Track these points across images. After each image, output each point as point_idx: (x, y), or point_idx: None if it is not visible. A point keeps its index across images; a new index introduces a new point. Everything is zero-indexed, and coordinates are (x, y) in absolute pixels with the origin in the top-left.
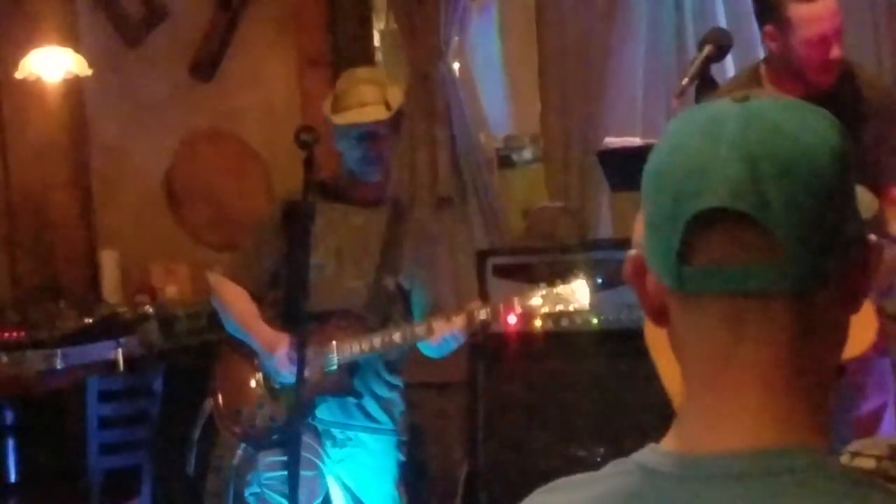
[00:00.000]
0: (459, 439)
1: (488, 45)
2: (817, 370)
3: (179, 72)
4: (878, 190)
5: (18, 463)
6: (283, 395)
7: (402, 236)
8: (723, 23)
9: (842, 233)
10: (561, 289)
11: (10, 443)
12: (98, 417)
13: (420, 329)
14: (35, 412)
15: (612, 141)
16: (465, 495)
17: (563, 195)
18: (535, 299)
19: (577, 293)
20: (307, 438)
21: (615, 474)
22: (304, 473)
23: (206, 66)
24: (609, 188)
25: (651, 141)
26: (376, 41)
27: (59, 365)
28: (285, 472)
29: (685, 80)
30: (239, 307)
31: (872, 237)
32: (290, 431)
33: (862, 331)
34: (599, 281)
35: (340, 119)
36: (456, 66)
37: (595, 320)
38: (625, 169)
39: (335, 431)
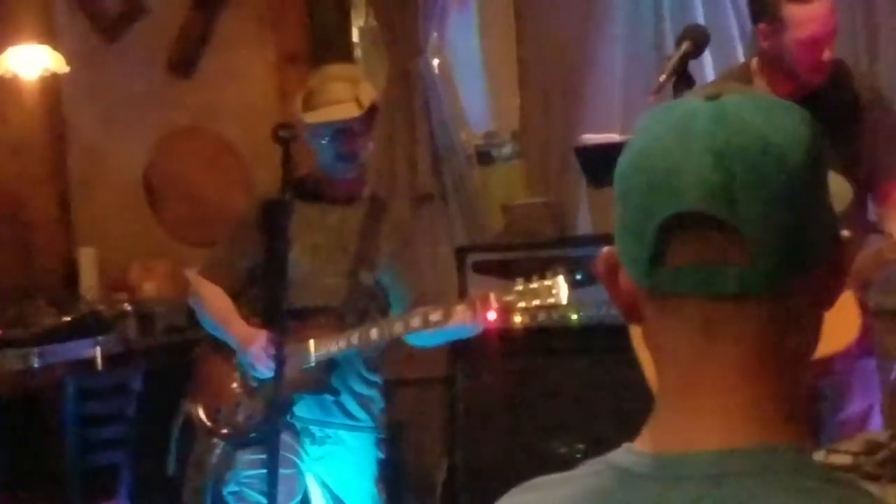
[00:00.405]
0: (439, 436)
1: (468, 41)
2: (791, 369)
3: (157, 68)
4: (874, 186)
5: None
6: (261, 393)
7: (379, 232)
8: (701, 19)
9: (814, 230)
10: (538, 284)
11: None
12: (76, 416)
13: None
14: (13, 411)
15: (591, 137)
16: (444, 492)
17: (543, 191)
18: (512, 295)
19: (555, 289)
20: (286, 436)
21: (589, 474)
22: (283, 472)
23: (184, 62)
24: (587, 185)
25: (630, 137)
26: (355, 37)
27: (36, 363)
28: (264, 471)
29: (663, 77)
30: (216, 304)
31: (845, 233)
32: (268, 429)
33: (844, 326)
34: (579, 277)
35: (311, 118)
36: (435, 62)
37: (575, 316)
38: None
39: (314, 429)
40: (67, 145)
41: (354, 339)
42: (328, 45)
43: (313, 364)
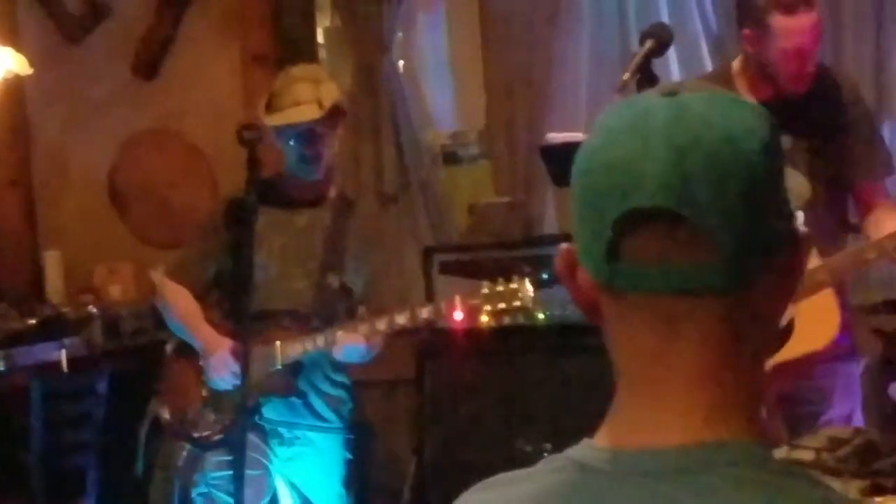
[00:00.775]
0: (407, 436)
1: (433, 41)
2: (750, 365)
3: (122, 70)
4: (855, 187)
5: None
6: (228, 395)
7: (346, 232)
8: (665, 18)
9: (772, 226)
10: (503, 287)
11: None
12: (42, 419)
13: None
14: None
15: (555, 136)
16: (412, 492)
17: (509, 191)
18: (478, 299)
19: (521, 292)
20: (254, 438)
21: (550, 470)
22: (251, 473)
23: (148, 64)
24: (553, 184)
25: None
26: (320, 38)
27: (2, 367)
28: (229, 472)
29: (626, 75)
30: (181, 307)
31: (803, 228)
32: (235, 431)
33: (824, 325)
34: (545, 276)
35: (273, 120)
36: (401, 62)
37: (541, 316)
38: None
39: (282, 430)
40: (31, 148)
41: (320, 341)
42: (293, 46)
43: (280, 367)
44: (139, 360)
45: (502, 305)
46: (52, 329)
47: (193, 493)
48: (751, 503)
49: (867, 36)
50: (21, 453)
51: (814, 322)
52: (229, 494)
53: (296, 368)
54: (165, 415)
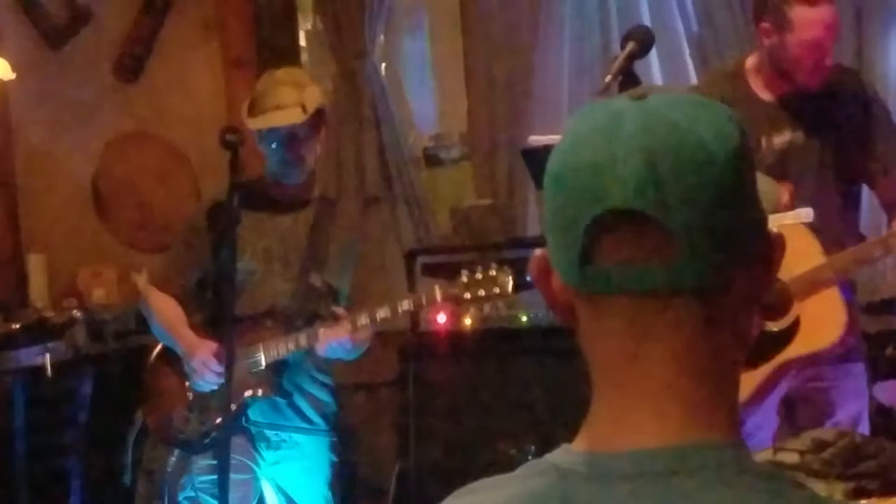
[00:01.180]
0: (390, 439)
1: (415, 44)
2: (723, 367)
3: (104, 74)
4: (876, 184)
5: None
6: (213, 398)
7: (328, 233)
8: (646, 19)
9: (742, 228)
10: (482, 275)
11: None
12: (26, 423)
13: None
14: None
15: (537, 139)
16: (396, 495)
17: (491, 193)
18: (458, 287)
19: (500, 279)
20: (241, 441)
21: (530, 475)
22: (238, 477)
23: (130, 68)
24: (535, 186)
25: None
26: (302, 41)
27: None
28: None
29: (608, 78)
30: (165, 313)
31: (774, 229)
32: (219, 435)
33: (829, 324)
34: (527, 279)
35: (255, 123)
36: (383, 66)
37: (524, 318)
38: None
39: (269, 433)
40: (14, 152)
41: (303, 339)
42: (274, 49)
43: (263, 367)
44: (123, 363)
45: (482, 293)
46: (36, 333)
47: (180, 497)
48: None
49: (847, 35)
50: (5, 456)
51: (819, 320)
52: (216, 498)
53: (280, 368)
54: (152, 420)
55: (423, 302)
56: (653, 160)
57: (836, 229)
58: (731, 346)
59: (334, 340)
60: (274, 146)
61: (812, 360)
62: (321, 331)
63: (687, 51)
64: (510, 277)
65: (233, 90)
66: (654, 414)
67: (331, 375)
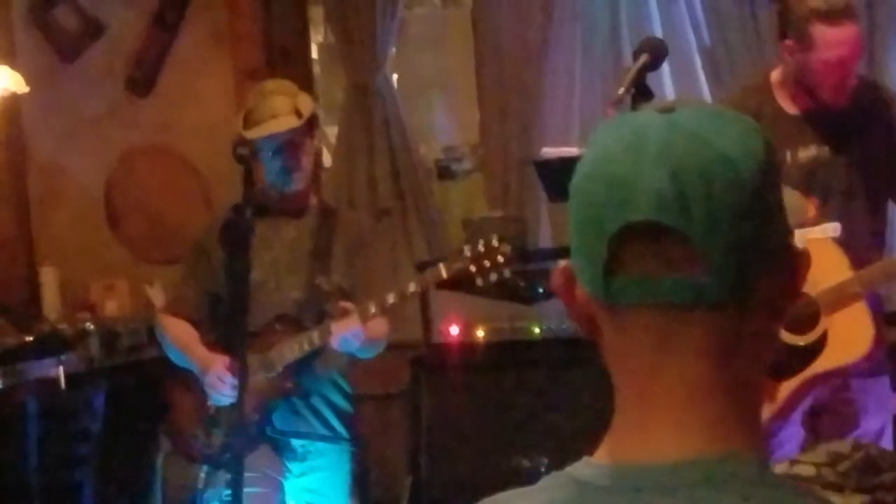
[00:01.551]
0: (402, 452)
1: (427, 56)
2: (745, 381)
3: (116, 87)
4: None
5: None
6: (234, 411)
7: (332, 239)
8: (658, 32)
9: (767, 243)
10: (483, 247)
11: None
12: (39, 434)
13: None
14: None
15: (550, 151)
16: None
17: (503, 205)
18: (460, 262)
19: (501, 248)
20: (267, 452)
21: (550, 488)
22: (263, 490)
23: (142, 81)
24: (547, 198)
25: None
26: (314, 54)
27: None
28: (249, 489)
29: (621, 90)
30: (178, 335)
31: (799, 245)
32: (234, 446)
33: (856, 338)
34: (540, 290)
35: (254, 133)
36: (395, 77)
37: (537, 329)
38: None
39: (295, 444)
40: (27, 165)
41: (315, 338)
42: (286, 62)
43: (279, 371)
44: (136, 375)
45: (486, 263)
46: (49, 345)
47: None
48: None
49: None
50: (19, 469)
51: (847, 335)
52: None
53: (298, 369)
54: (175, 441)
55: (430, 282)
56: (678, 173)
57: (863, 244)
58: (754, 360)
59: (346, 332)
60: (273, 154)
61: (839, 374)
62: (332, 325)
63: (699, 63)
64: (510, 246)
65: (244, 102)
66: (676, 426)
67: (349, 384)
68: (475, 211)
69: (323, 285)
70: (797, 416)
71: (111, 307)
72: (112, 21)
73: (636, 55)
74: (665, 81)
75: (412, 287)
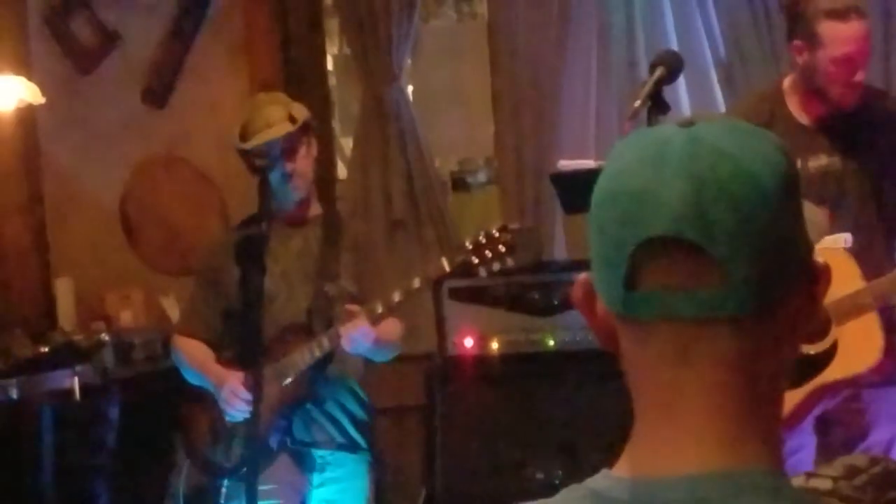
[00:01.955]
0: (416, 464)
1: (442, 67)
2: (765, 394)
3: (132, 99)
4: None
5: None
6: (250, 424)
7: (338, 246)
8: (674, 45)
9: (788, 257)
10: (485, 238)
11: None
12: (54, 446)
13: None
14: None
15: (566, 163)
16: None
17: (518, 217)
18: (464, 255)
19: (503, 237)
20: (288, 463)
21: (568, 500)
22: (283, 502)
23: (158, 92)
24: (563, 210)
25: (604, 163)
26: (329, 65)
27: (13, 394)
28: (267, 501)
29: (637, 103)
30: (193, 355)
31: (820, 259)
32: (249, 458)
33: (866, 349)
34: (555, 303)
35: (250, 144)
36: (410, 89)
37: (551, 341)
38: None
39: (315, 455)
40: (43, 176)
41: (325, 342)
42: (302, 73)
43: (291, 379)
44: (151, 386)
45: (488, 254)
46: (64, 356)
47: None
48: None
49: (875, 57)
50: (34, 479)
51: (857, 345)
52: None
53: (312, 376)
54: (194, 458)
55: (433, 275)
56: (698, 187)
57: (875, 254)
58: (774, 374)
59: (355, 332)
60: (271, 163)
61: (849, 384)
62: (341, 328)
63: (715, 76)
64: (511, 235)
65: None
66: (695, 440)
67: (366, 394)
68: (490, 224)
69: (331, 291)
70: (809, 424)
71: (126, 318)
72: (128, 32)
73: (652, 68)
74: (681, 94)
75: (416, 283)
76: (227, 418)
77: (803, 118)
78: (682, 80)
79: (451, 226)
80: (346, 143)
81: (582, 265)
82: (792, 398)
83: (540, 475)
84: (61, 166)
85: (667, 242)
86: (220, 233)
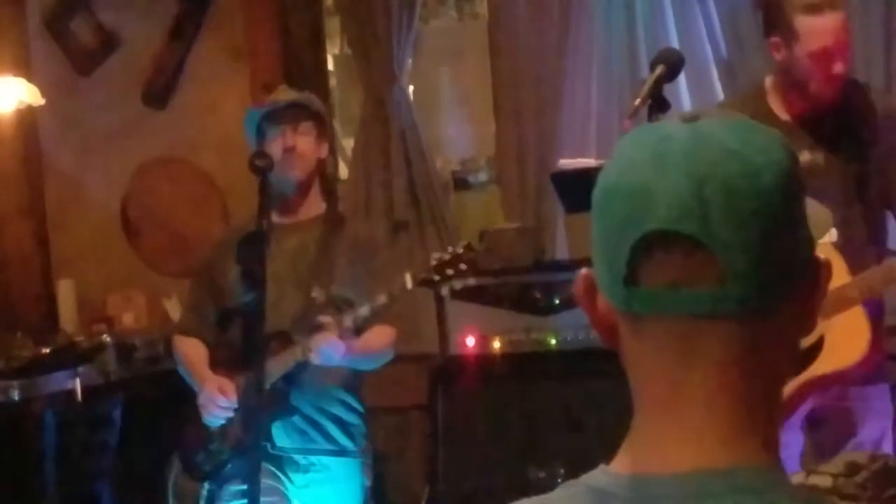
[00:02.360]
0: (419, 464)
1: (442, 67)
2: (766, 389)
3: (133, 100)
4: (892, 207)
5: None
6: (231, 427)
7: (335, 249)
8: (675, 43)
9: (789, 254)
10: (449, 255)
11: None
12: (56, 447)
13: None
14: None
15: (567, 162)
16: None
17: (519, 217)
18: (427, 272)
19: (465, 255)
20: (268, 467)
21: (565, 496)
22: (268, 500)
23: (159, 94)
24: (564, 210)
25: (605, 162)
26: (330, 66)
27: (16, 396)
28: (244, 501)
29: (637, 101)
30: (188, 354)
31: (822, 257)
32: (244, 460)
33: (853, 344)
34: (556, 302)
35: (269, 99)
36: (411, 89)
37: (553, 341)
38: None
39: (297, 458)
40: (44, 178)
41: (298, 352)
42: (303, 74)
43: (268, 387)
44: (153, 387)
45: (450, 272)
46: (66, 358)
47: None
48: None
49: (876, 57)
50: (36, 481)
51: (844, 340)
52: None
53: (283, 388)
54: (181, 457)
55: (397, 291)
56: (700, 183)
57: (860, 248)
58: (774, 371)
59: (325, 345)
60: (274, 129)
61: (836, 379)
62: (314, 338)
63: (716, 74)
64: (474, 253)
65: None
66: (695, 437)
67: (359, 397)
68: (492, 223)
69: (319, 298)
70: (797, 420)
71: (128, 320)
72: (128, 34)
73: (652, 67)
74: (682, 92)
75: (381, 299)
76: (206, 422)
77: (785, 115)
78: (682, 78)
79: (452, 225)
80: (348, 144)
81: (583, 264)
82: None
83: (542, 474)
84: (62, 168)
85: (667, 237)
86: (220, 232)
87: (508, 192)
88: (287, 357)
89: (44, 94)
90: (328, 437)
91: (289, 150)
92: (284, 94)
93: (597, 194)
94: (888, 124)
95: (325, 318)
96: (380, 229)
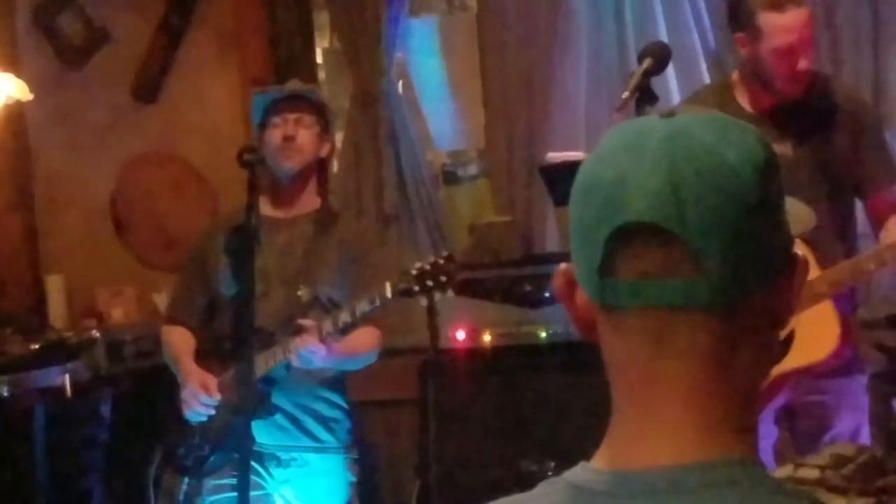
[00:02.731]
0: (410, 457)
1: (432, 60)
2: (742, 384)
3: (122, 95)
4: (865, 198)
5: None
6: (213, 422)
7: (327, 246)
8: (663, 36)
9: (765, 247)
10: (430, 266)
11: None
12: (47, 443)
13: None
14: None
15: (555, 156)
16: None
17: (509, 210)
18: (408, 282)
19: (446, 267)
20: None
21: (547, 493)
22: (251, 493)
23: (148, 88)
24: (553, 203)
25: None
26: (319, 60)
27: (5, 392)
28: (230, 495)
29: (625, 94)
30: (174, 344)
31: (798, 252)
32: (228, 452)
33: (822, 338)
34: (546, 295)
35: (265, 97)
36: (400, 83)
37: (543, 334)
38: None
39: (279, 453)
40: (32, 172)
41: (279, 354)
42: (292, 68)
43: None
44: (142, 383)
45: (430, 283)
46: (56, 353)
47: None
48: None
49: (865, 51)
50: (26, 477)
51: (813, 333)
52: None
53: (262, 389)
54: (162, 450)
55: (378, 301)
56: (675, 176)
57: (830, 242)
58: (750, 365)
59: (303, 349)
60: (274, 119)
61: (808, 373)
62: (294, 341)
63: (704, 66)
64: (455, 266)
65: (250, 109)
66: (670, 430)
67: (343, 393)
68: (482, 216)
69: (304, 296)
70: (769, 415)
71: (118, 315)
72: (117, 28)
73: (640, 59)
74: (671, 85)
75: (362, 306)
76: (187, 417)
77: (751, 108)
78: (671, 71)
79: (442, 219)
80: (337, 138)
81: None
82: None
83: (533, 467)
84: (51, 163)
85: (641, 230)
86: (209, 223)
87: (498, 186)
88: (268, 358)
89: (32, 88)
90: (309, 433)
91: (288, 139)
92: (293, 85)
93: (575, 188)
94: (852, 111)
95: (305, 322)
96: (369, 223)
